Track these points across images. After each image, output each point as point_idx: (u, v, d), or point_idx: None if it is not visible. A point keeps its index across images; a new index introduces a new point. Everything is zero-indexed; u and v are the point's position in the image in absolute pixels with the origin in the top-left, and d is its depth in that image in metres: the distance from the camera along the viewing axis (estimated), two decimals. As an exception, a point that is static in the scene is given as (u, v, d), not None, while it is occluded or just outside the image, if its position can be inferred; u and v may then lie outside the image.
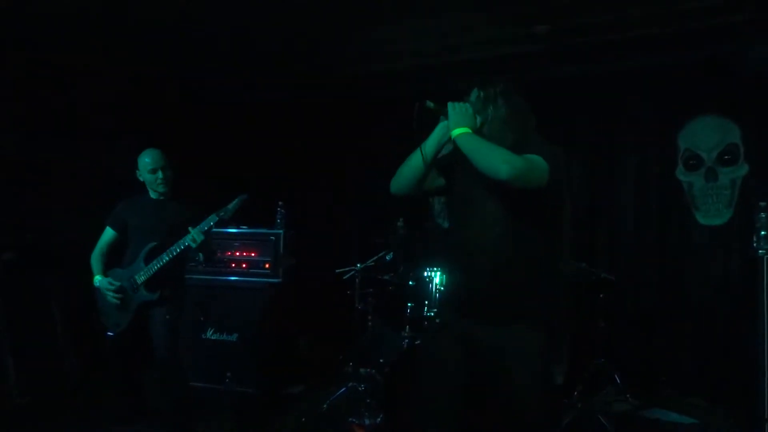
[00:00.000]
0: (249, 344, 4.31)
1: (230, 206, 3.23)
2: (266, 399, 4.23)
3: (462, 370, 2.25)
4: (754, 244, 3.57)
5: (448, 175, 2.43)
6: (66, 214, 4.38)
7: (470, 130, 2.21)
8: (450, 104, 2.26)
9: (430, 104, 2.29)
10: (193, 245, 3.22)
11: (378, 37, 4.26)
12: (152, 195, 3.47)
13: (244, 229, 4.59)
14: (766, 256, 3.49)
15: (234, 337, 4.37)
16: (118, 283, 3.34)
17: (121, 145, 4.43)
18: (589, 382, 3.94)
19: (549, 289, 2.31)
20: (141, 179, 3.45)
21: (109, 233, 3.51)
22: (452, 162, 2.37)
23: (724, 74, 4.48)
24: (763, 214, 3.57)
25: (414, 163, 2.33)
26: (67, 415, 3.86)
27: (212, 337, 4.41)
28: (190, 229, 3.21)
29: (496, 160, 2.08)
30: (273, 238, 4.49)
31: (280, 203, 4.57)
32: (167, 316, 3.30)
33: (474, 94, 2.32)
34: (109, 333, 3.45)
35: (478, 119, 2.27)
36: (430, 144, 2.32)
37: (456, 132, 2.22)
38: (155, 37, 4.15)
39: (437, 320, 2.50)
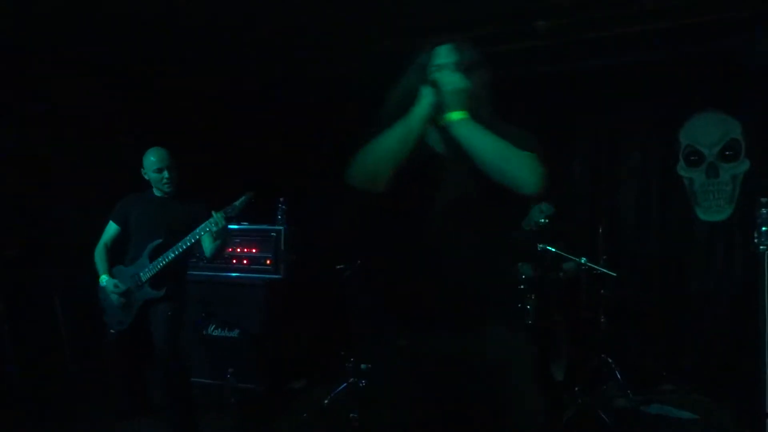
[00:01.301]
0: (250, 340, 4.32)
1: (237, 203, 3.26)
2: (268, 395, 4.24)
3: (439, 394, 1.85)
4: (755, 240, 3.56)
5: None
6: (69, 210, 4.39)
7: (468, 115, 1.73)
8: (441, 74, 1.75)
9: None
10: (215, 228, 3.20)
11: (377, 32, 4.26)
12: (156, 193, 3.48)
13: (245, 226, 4.59)
14: (766, 252, 3.49)
15: (235, 333, 4.38)
16: (123, 287, 3.36)
17: (125, 142, 4.45)
18: (589, 378, 3.94)
19: (513, 285, 2.01)
20: (146, 178, 3.45)
21: (112, 228, 3.52)
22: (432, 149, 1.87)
23: (725, 70, 4.47)
24: (764, 210, 3.56)
25: (388, 145, 1.75)
26: (70, 410, 3.88)
27: (214, 334, 4.42)
28: (213, 213, 3.21)
29: (524, 170, 1.65)
30: (274, 234, 4.50)
31: (281, 199, 4.57)
32: (169, 313, 3.32)
33: (444, 57, 1.81)
34: (112, 330, 3.46)
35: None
36: (415, 121, 1.75)
37: (456, 116, 1.72)
38: (158, 34, 4.15)
39: (397, 343, 1.93)
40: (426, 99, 1.75)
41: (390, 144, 1.75)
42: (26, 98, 4.31)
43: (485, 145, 1.70)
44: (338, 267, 4.23)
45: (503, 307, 1.94)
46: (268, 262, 4.48)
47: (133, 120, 4.81)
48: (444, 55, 1.82)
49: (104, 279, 3.42)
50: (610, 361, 4.11)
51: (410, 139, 1.74)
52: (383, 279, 2.02)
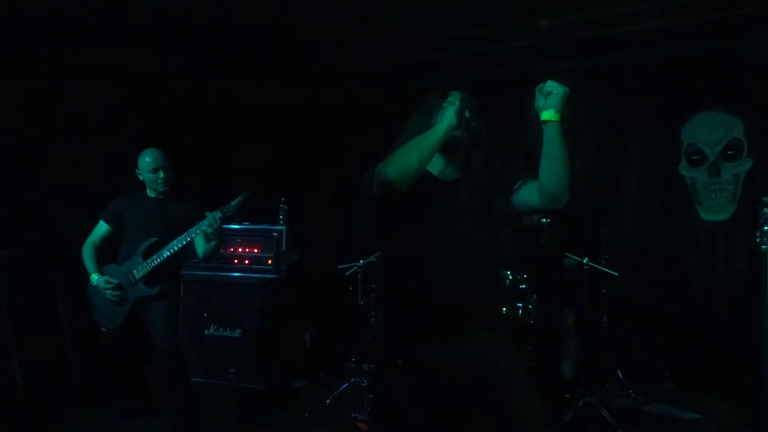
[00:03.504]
0: (252, 340, 4.33)
1: (233, 203, 3.24)
2: (269, 394, 4.24)
3: (441, 405, 2.02)
4: (757, 239, 3.56)
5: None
6: (70, 209, 4.39)
7: (560, 118, 1.90)
8: (551, 83, 1.91)
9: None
10: (209, 230, 3.17)
11: (378, 32, 4.25)
12: (151, 194, 3.46)
13: (246, 225, 4.60)
14: (768, 251, 3.48)
15: (237, 332, 4.38)
16: (115, 281, 3.33)
17: (125, 142, 4.45)
18: (591, 378, 3.94)
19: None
20: (141, 178, 3.43)
21: (102, 227, 3.48)
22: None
23: (727, 68, 4.46)
24: (766, 209, 3.55)
25: (420, 148, 1.98)
26: (71, 409, 3.88)
27: (215, 333, 4.42)
28: (207, 213, 3.19)
29: (566, 180, 1.93)
30: (276, 234, 4.50)
31: (282, 199, 4.57)
32: (166, 311, 3.31)
33: (457, 101, 2.07)
34: (103, 329, 3.45)
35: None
36: (441, 131, 2.01)
37: (552, 116, 1.89)
38: (157, 32, 4.15)
39: (397, 359, 2.09)
40: (449, 114, 2.02)
41: (422, 147, 1.99)
42: (29, 97, 4.31)
43: (562, 151, 1.90)
44: (340, 267, 4.24)
45: (496, 313, 2.23)
46: (269, 262, 4.48)
47: (133, 120, 4.81)
48: (455, 96, 2.09)
49: (95, 277, 3.38)
50: (612, 360, 4.11)
51: (435, 146, 2.01)
52: (389, 294, 2.25)
